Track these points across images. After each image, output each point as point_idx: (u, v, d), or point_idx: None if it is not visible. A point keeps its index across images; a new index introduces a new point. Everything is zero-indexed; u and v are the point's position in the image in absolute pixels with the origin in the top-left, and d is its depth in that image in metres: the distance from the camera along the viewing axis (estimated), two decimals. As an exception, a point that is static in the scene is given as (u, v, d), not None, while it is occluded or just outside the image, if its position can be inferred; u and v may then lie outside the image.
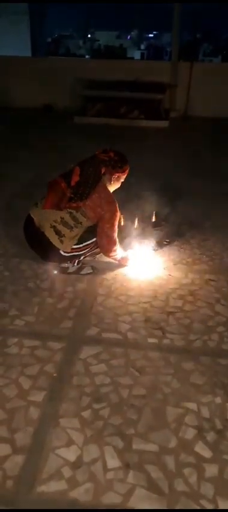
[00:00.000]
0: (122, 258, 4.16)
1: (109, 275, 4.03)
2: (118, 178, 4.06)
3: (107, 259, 4.15)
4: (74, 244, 3.87)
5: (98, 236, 3.94)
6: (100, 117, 11.11)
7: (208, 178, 6.96)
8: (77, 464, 2.24)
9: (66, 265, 4.01)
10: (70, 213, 3.83)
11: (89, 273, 4.05)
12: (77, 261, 4.00)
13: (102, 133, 9.44)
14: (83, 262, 4.08)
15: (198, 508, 2.06)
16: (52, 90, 12.26)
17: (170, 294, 3.77)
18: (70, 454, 2.30)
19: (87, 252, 4.01)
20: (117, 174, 4.01)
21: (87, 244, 3.95)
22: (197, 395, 2.70)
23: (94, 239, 3.95)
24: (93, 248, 4.03)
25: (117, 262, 4.16)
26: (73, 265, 4.01)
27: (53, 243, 3.80)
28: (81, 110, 11.55)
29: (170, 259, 4.35)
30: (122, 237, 4.33)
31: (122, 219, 4.50)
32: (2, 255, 4.36)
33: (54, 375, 2.83)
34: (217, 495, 2.11)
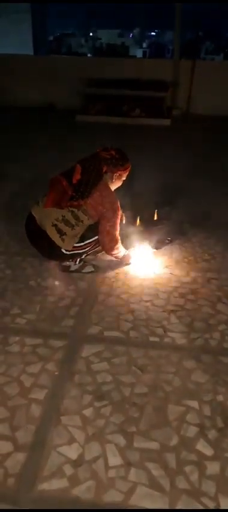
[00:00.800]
0: (124, 256, 4.16)
1: (111, 273, 4.04)
2: (120, 177, 4.06)
3: (108, 257, 4.15)
4: (76, 243, 3.87)
5: (99, 234, 3.94)
6: (102, 116, 11.10)
7: (210, 176, 6.95)
8: (78, 462, 2.24)
9: (67, 263, 4.01)
10: (72, 211, 3.83)
11: (90, 272, 4.05)
12: (78, 260, 4.00)
13: (104, 131, 9.43)
14: (85, 260, 4.09)
15: (200, 505, 2.06)
16: (54, 88, 12.26)
17: (171, 292, 3.77)
18: (72, 452, 2.30)
19: (89, 250, 4.01)
20: (119, 172, 4.01)
21: (89, 243, 3.95)
22: (198, 393, 2.70)
23: (96, 237, 3.96)
24: (94, 246, 4.04)
25: (119, 260, 4.16)
26: (75, 264, 4.02)
27: (55, 242, 3.81)
28: (83, 108, 11.55)
29: (171, 258, 4.35)
30: (124, 235, 4.32)
31: (123, 218, 4.50)
32: (3, 253, 4.36)
33: (56, 373, 2.83)
34: (219, 493, 2.11)
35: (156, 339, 3.20)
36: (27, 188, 6.06)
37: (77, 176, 3.88)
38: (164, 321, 3.40)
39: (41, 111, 11.91)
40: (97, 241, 4.00)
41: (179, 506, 2.06)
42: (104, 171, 3.96)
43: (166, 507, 2.05)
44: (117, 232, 4.01)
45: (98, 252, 4.21)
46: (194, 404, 2.62)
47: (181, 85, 12.08)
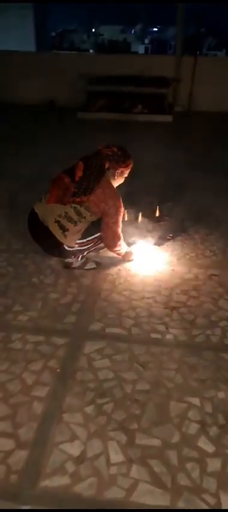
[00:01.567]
0: (126, 253, 4.16)
1: (113, 270, 4.04)
2: (122, 173, 4.06)
3: (111, 254, 4.16)
4: (78, 239, 3.88)
5: (102, 231, 3.95)
6: (103, 112, 11.10)
7: (212, 172, 6.95)
8: (80, 459, 2.25)
9: (70, 260, 4.02)
10: (74, 207, 3.83)
11: (92, 268, 4.05)
12: (80, 256, 4.01)
13: (106, 128, 9.43)
14: (87, 257, 4.09)
15: (201, 502, 2.06)
16: (56, 85, 12.27)
17: (173, 289, 3.77)
18: (73, 449, 2.31)
19: (91, 246, 4.02)
20: (121, 169, 4.01)
21: (91, 239, 3.96)
22: (200, 390, 2.71)
23: (98, 234, 3.96)
24: (97, 243, 4.04)
25: (121, 257, 4.16)
26: (77, 260, 4.02)
27: (57, 238, 3.82)
28: (84, 105, 11.54)
29: (173, 254, 4.35)
30: (125, 232, 4.33)
31: (125, 215, 4.51)
32: (5, 250, 4.37)
33: (58, 370, 2.84)
34: (220, 489, 2.12)
35: (158, 336, 3.20)
36: (29, 185, 6.07)
37: (79, 173, 3.88)
38: (166, 317, 3.40)
39: (42, 108, 11.91)
40: (99, 238, 4.00)
41: (180, 503, 2.06)
42: (106, 167, 3.96)
43: (167, 504, 2.06)
44: (120, 229, 4.00)
45: (100, 248, 4.21)
46: (196, 401, 2.62)
47: (183, 81, 12.06)
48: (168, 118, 11.12)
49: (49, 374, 2.80)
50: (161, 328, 3.28)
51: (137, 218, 4.77)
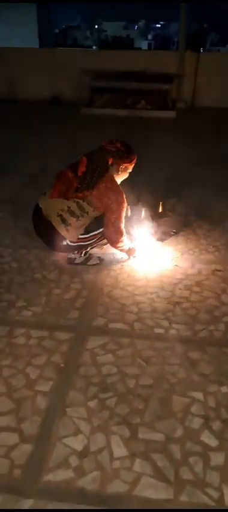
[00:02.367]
0: (129, 249, 4.16)
1: (116, 266, 4.04)
2: (125, 169, 4.08)
3: (114, 250, 4.16)
4: (81, 234, 3.89)
5: (104, 227, 3.96)
6: (107, 108, 11.08)
7: (215, 168, 6.94)
8: (83, 453, 2.26)
9: (73, 255, 4.02)
10: (77, 202, 3.86)
11: (95, 264, 4.06)
12: (83, 252, 4.02)
13: (109, 124, 9.42)
14: (90, 253, 4.10)
15: (204, 496, 2.07)
16: (59, 81, 12.25)
17: (176, 284, 3.77)
18: (77, 443, 2.32)
19: (94, 242, 4.03)
20: (125, 165, 4.03)
21: (94, 235, 3.98)
22: (203, 384, 2.71)
23: (101, 230, 3.97)
24: (100, 239, 4.05)
25: (124, 253, 4.16)
26: (80, 256, 4.03)
27: (60, 232, 3.84)
28: (88, 101, 11.53)
29: (176, 250, 4.35)
30: (128, 227, 4.33)
31: (128, 210, 4.50)
32: (9, 245, 4.37)
33: (61, 365, 2.85)
34: (223, 483, 2.12)
35: (161, 331, 3.20)
36: (34, 181, 6.07)
37: (82, 168, 3.90)
38: (169, 312, 3.40)
39: (46, 103, 11.91)
40: (102, 234, 4.01)
41: (183, 497, 2.07)
42: (109, 163, 3.97)
43: (171, 498, 2.06)
44: (122, 225, 4.01)
45: (103, 244, 4.21)
46: (199, 395, 2.63)
47: (186, 77, 12.04)
48: (171, 114, 11.09)
49: (53, 369, 2.81)
50: (164, 323, 3.29)
51: (140, 214, 4.76)
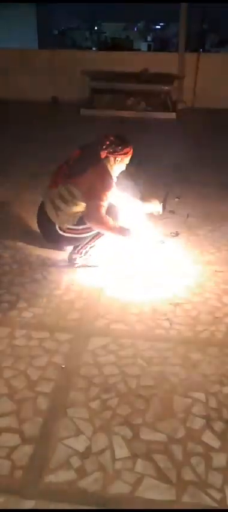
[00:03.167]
0: (121, 230, 4.02)
1: (116, 267, 4.04)
2: (121, 161, 4.08)
3: (113, 249, 4.15)
4: (73, 224, 3.95)
5: (85, 215, 3.93)
6: (106, 110, 11.08)
7: (216, 169, 6.94)
8: (85, 454, 2.25)
9: (73, 256, 4.02)
10: (66, 187, 3.92)
11: (95, 266, 4.05)
12: (83, 252, 4.01)
13: (108, 125, 9.42)
14: (90, 254, 4.08)
15: (206, 497, 2.06)
16: (59, 82, 12.27)
17: (177, 285, 3.77)
18: (78, 444, 2.31)
19: (89, 241, 4.01)
20: (120, 157, 4.03)
21: (86, 229, 3.96)
22: (204, 385, 2.71)
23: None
24: (95, 237, 4.02)
25: (119, 238, 4.06)
26: (80, 257, 4.02)
27: (50, 218, 3.94)
28: (87, 102, 11.53)
29: (177, 250, 4.35)
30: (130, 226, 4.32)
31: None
32: (10, 247, 4.36)
33: (62, 366, 2.84)
34: (225, 484, 2.12)
35: (162, 332, 3.20)
36: (36, 182, 6.06)
37: (74, 157, 4.03)
38: (170, 313, 3.40)
39: (46, 104, 11.91)
40: (97, 234, 4.00)
41: (185, 498, 2.06)
42: (103, 156, 3.98)
43: (173, 498, 2.06)
44: (104, 208, 3.90)
45: (99, 241, 4.16)
46: (200, 396, 2.62)
47: (186, 78, 12.05)
48: (171, 115, 11.11)
49: (53, 370, 2.80)
50: (165, 324, 3.28)
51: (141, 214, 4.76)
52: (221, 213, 5.26)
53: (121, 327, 3.24)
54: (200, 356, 2.95)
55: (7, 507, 2.02)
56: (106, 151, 3.98)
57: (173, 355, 2.95)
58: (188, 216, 5.13)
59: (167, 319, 3.33)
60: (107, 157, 3.99)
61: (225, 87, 11.74)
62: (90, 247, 4.06)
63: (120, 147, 4.00)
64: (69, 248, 4.10)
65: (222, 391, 2.67)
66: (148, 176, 5.90)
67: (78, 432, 2.38)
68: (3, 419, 2.45)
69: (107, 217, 3.91)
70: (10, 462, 2.22)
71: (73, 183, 3.91)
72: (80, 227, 3.96)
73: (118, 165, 4.08)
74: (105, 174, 3.97)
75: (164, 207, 4.95)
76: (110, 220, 3.92)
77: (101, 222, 3.89)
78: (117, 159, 4.02)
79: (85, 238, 4.01)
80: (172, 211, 5.17)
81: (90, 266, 4.04)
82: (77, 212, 3.95)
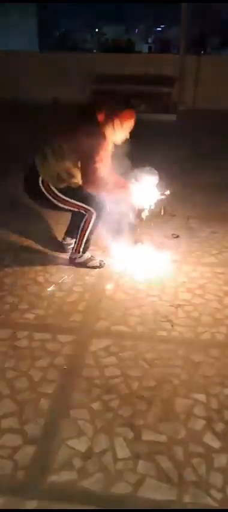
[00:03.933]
0: (121, 189, 3.95)
1: (118, 268, 4.05)
2: (120, 126, 3.86)
3: (115, 252, 4.17)
4: (58, 189, 3.85)
5: (82, 179, 3.83)
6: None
7: (217, 171, 6.95)
8: (87, 455, 2.27)
9: (73, 256, 4.03)
10: (59, 144, 3.81)
11: (96, 266, 4.06)
12: (81, 249, 4.01)
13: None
14: (92, 254, 4.09)
15: (208, 497, 2.07)
16: (59, 84, 12.26)
17: (178, 287, 3.78)
18: (80, 444, 2.32)
19: (78, 234, 3.98)
20: (118, 120, 3.82)
21: (65, 200, 3.89)
22: (205, 386, 2.72)
23: (79, 203, 3.89)
24: (83, 230, 3.98)
25: (119, 199, 4.00)
26: (80, 256, 4.02)
27: (36, 166, 3.84)
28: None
29: (178, 253, 4.36)
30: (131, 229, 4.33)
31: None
32: (12, 248, 4.38)
33: (64, 367, 2.85)
34: (226, 485, 2.13)
35: (164, 333, 3.22)
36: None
37: (71, 122, 3.97)
38: (171, 315, 3.41)
39: (45, 106, 11.91)
40: (84, 224, 3.97)
41: (187, 499, 2.07)
42: (100, 119, 3.81)
43: (174, 499, 2.07)
44: (101, 171, 3.74)
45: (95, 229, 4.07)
46: (202, 397, 2.64)
47: (187, 80, 12.06)
48: (172, 117, 11.11)
49: (55, 371, 2.82)
50: (167, 325, 3.29)
51: (142, 216, 4.76)
52: (222, 215, 5.27)
53: (123, 329, 3.26)
54: (201, 357, 2.96)
55: (10, 507, 2.03)
56: (103, 113, 3.81)
57: (175, 357, 2.97)
58: (188, 218, 5.14)
59: (169, 320, 3.34)
60: (104, 121, 3.81)
61: (226, 89, 11.74)
62: (85, 242, 4.02)
63: (118, 110, 3.82)
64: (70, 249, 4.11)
65: (223, 392, 2.68)
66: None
67: (80, 433, 2.39)
68: (5, 420, 2.47)
69: (105, 179, 3.78)
70: (13, 462, 2.23)
71: (65, 140, 3.79)
72: (61, 195, 3.86)
73: (118, 131, 3.88)
74: (97, 135, 3.76)
75: (164, 210, 4.96)
76: (108, 183, 3.80)
77: (97, 184, 3.77)
78: (116, 123, 3.84)
79: (77, 233, 3.98)
80: (173, 214, 5.17)
81: (91, 267, 4.05)
82: (62, 173, 3.81)
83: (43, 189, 3.86)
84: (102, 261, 4.14)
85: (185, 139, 9.16)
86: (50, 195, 3.87)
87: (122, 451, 2.29)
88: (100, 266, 4.08)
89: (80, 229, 3.97)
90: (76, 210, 3.93)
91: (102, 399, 2.61)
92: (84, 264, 4.05)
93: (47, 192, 3.86)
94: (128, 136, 3.97)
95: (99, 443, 2.33)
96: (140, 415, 2.51)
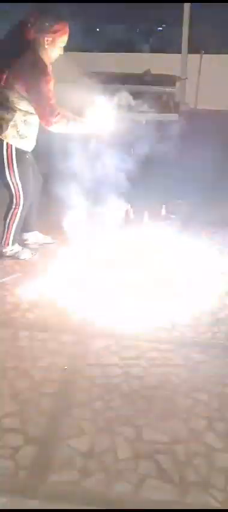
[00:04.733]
0: (82, 120, 3.84)
1: (120, 270, 4.03)
2: (53, 41, 3.63)
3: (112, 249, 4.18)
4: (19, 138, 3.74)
5: (35, 111, 3.68)
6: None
7: (218, 170, 6.92)
8: (88, 455, 2.26)
9: (3, 250, 4.06)
10: (0, 92, 3.61)
11: (29, 257, 4.11)
12: (10, 241, 4.04)
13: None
14: (23, 246, 4.16)
15: (209, 497, 2.06)
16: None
17: (179, 286, 3.78)
18: (82, 444, 2.32)
19: (6, 225, 4.00)
20: (49, 36, 3.59)
21: (15, 175, 3.80)
22: (207, 386, 2.71)
23: (19, 182, 3.84)
24: (10, 222, 3.99)
25: (80, 130, 3.92)
26: (11, 250, 4.07)
27: None
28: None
29: (179, 251, 4.35)
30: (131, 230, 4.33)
31: (131, 212, 4.50)
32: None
33: (65, 367, 2.85)
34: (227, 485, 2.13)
35: (165, 333, 3.21)
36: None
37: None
38: (173, 314, 3.40)
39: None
40: (14, 214, 3.96)
41: (188, 499, 2.07)
42: (30, 37, 3.56)
43: (175, 499, 2.06)
44: (53, 100, 3.62)
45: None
46: (203, 397, 2.63)
47: (189, 79, 12.02)
48: (174, 117, 11.07)
49: (57, 370, 2.81)
50: (168, 325, 3.29)
51: (142, 217, 4.76)
52: (223, 216, 5.26)
53: (123, 328, 3.25)
54: (202, 357, 2.96)
55: (11, 507, 2.03)
56: (32, 30, 3.54)
57: (176, 356, 2.96)
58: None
59: (169, 320, 3.33)
60: (34, 39, 3.56)
61: (228, 89, 11.71)
62: (14, 234, 4.03)
63: (47, 24, 3.54)
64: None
65: (224, 391, 2.67)
66: (148, 176, 5.89)
67: (81, 432, 2.38)
68: (6, 420, 2.46)
69: (62, 111, 3.64)
70: (14, 462, 2.23)
71: (6, 84, 3.55)
72: (15, 166, 3.78)
73: (50, 48, 3.65)
74: (36, 62, 3.55)
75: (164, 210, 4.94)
76: (66, 115, 3.68)
77: (56, 120, 3.61)
78: (47, 39, 3.58)
79: (5, 225, 3.99)
80: (173, 215, 5.17)
81: (22, 259, 4.08)
82: (19, 122, 3.68)
83: (4, 151, 3.74)
84: (33, 251, 4.15)
85: (187, 139, 9.12)
86: (8, 159, 3.76)
87: (123, 451, 2.28)
88: (32, 256, 4.10)
89: (7, 221, 3.97)
90: (12, 190, 3.86)
91: (103, 399, 2.60)
92: (15, 257, 4.06)
93: (7, 153, 3.74)
94: (61, 52, 3.77)
95: (100, 443, 2.32)
96: (141, 415, 2.50)
